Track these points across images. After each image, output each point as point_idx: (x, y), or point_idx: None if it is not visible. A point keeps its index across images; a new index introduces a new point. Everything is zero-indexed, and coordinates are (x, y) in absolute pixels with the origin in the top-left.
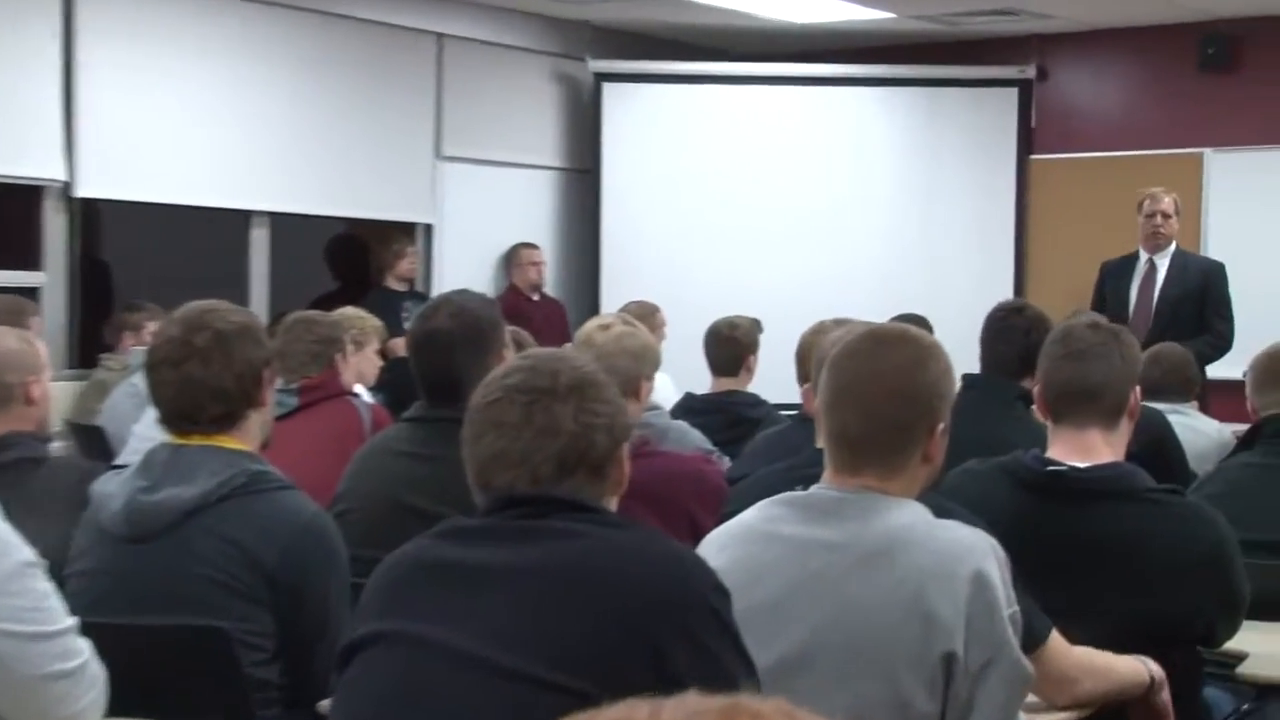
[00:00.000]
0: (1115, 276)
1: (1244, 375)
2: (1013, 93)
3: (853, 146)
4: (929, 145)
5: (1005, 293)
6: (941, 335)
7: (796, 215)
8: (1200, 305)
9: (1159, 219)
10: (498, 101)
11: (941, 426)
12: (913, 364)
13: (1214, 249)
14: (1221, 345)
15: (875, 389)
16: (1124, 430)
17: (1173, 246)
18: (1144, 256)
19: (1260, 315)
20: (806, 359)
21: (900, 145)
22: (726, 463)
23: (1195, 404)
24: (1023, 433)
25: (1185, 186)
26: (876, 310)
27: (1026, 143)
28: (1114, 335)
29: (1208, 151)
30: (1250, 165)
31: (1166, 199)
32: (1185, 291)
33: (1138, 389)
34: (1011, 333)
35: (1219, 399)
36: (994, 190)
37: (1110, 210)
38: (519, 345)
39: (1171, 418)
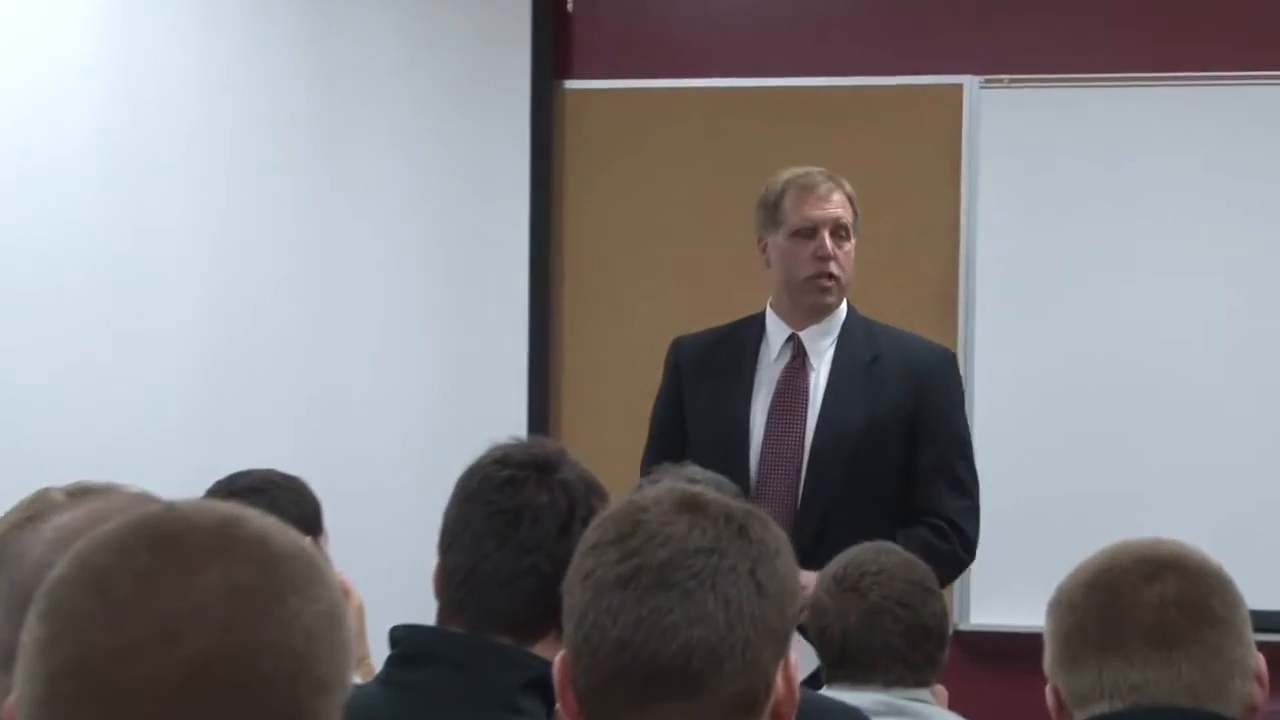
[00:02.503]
0: (710, 377)
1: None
2: None
3: (143, 57)
4: (329, 54)
5: (508, 396)
6: (339, 518)
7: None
8: (907, 450)
9: (825, 241)
10: None
11: None
12: (243, 607)
13: (985, 245)
14: (954, 552)
15: (147, 672)
16: None
17: (843, 308)
18: (781, 331)
19: (1043, 377)
20: None
21: (283, 58)
22: None
23: (941, 691)
24: None
25: (933, 140)
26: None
27: (552, 52)
28: (737, 528)
29: (971, 82)
30: (1040, 104)
31: (839, 194)
32: (873, 415)
33: (793, 659)
34: (520, 522)
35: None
36: (486, 149)
37: (745, 198)
38: None
39: None
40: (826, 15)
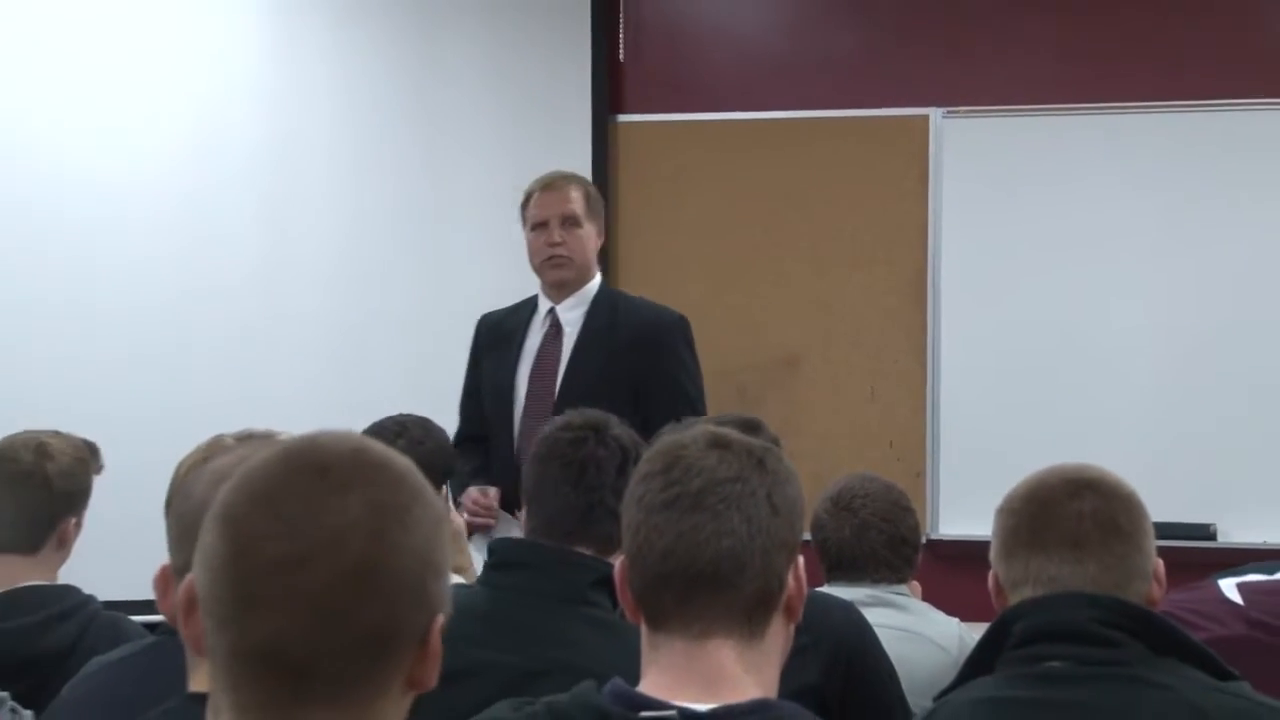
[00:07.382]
0: (495, 349)
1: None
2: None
3: (218, 81)
4: (417, 88)
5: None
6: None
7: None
8: (634, 408)
9: (555, 230)
10: None
11: (442, 619)
12: (384, 519)
13: (950, 260)
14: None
15: (323, 575)
16: (776, 640)
17: (593, 284)
18: (545, 306)
19: (1005, 352)
20: (174, 514)
21: (375, 87)
22: None
23: (916, 586)
24: (608, 651)
25: (901, 167)
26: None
27: (608, 89)
28: (756, 461)
29: (935, 114)
30: (999, 133)
31: (573, 191)
32: (608, 369)
33: (800, 563)
34: (586, 470)
35: None
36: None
37: (762, 206)
38: None
39: (874, 615)
40: (815, 57)
